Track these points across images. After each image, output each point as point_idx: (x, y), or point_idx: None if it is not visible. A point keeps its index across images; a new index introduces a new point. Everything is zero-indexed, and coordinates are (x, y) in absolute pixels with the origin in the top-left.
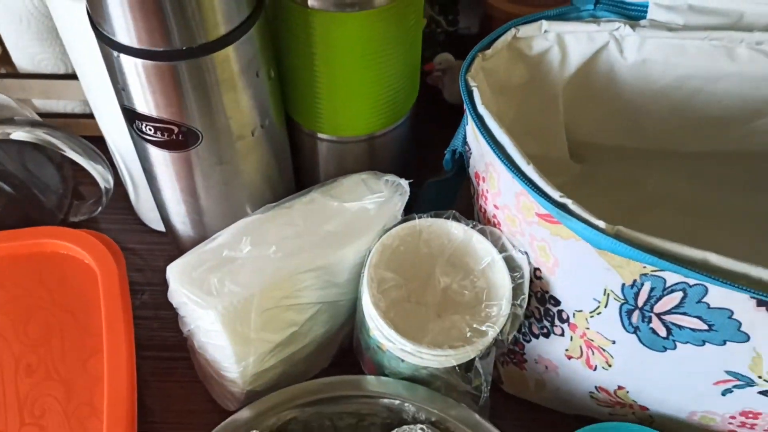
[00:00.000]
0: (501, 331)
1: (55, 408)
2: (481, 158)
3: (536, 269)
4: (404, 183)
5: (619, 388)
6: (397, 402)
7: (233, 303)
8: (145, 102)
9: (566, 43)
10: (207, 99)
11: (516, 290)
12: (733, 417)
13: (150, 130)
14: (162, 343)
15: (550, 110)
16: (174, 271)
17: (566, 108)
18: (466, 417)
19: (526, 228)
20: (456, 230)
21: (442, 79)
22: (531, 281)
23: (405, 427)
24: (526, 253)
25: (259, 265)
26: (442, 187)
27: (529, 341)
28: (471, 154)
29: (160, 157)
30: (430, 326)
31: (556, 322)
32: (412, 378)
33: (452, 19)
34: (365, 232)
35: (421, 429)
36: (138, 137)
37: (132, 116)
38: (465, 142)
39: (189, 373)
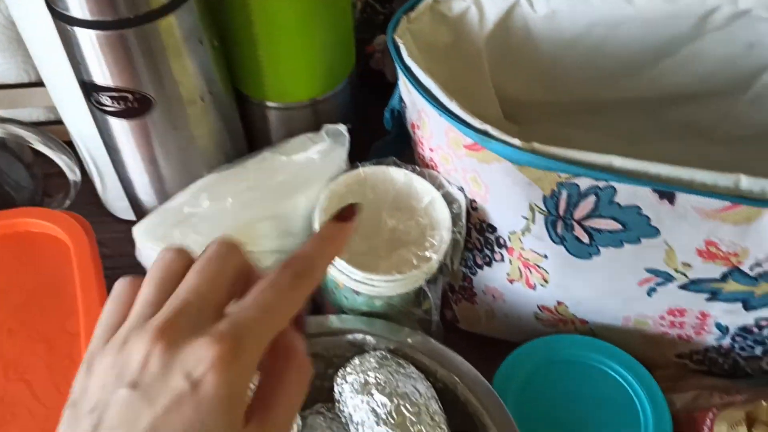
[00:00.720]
0: (446, 259)
1: (38, 364)
2: (414, 107)
3: (472, 201)
4: (342, 128)
5: (559, 303)
6: (359, 336)
7: (196, 250)
8: (101, 72)
9: (482, 2)
10: (156, 65)
11: (455, 220)
12: (662, 317)
13: (107, 100)
14: None
15: (476, 70)
16: (139, 231)
17: (491, 67)
18: (421, 342)
19: (458, 162)
20: (397, 175)
21: (383, 60)
22: (469, 213)
23: (365, 354)
24: (461, 188)
25: (218, 217)
26: (387, 150)
27: (475, 274)
28: (406, 107)
29: (119, 128)
30: (381, 263)
31: (495, 248)
32: (370, 312)
33: (386, 2)
34: (314, 181)
35: (378, 355)
36: (98, 111)
37: (90, 89)
38: (401, 100)
39: None
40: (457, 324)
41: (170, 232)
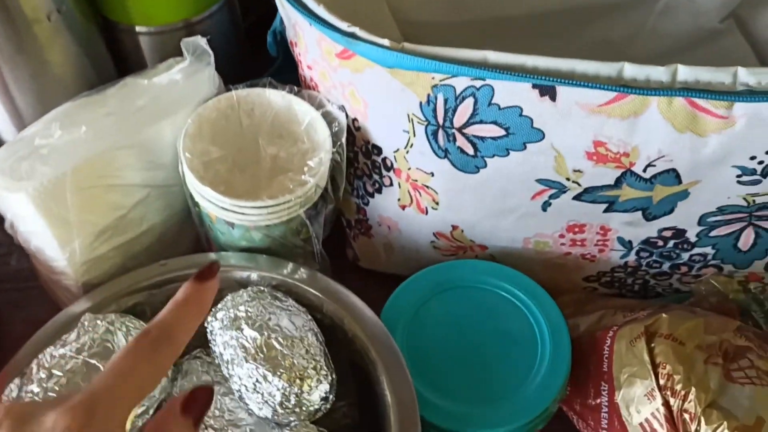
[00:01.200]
0: (326, 184)
1: None
2: (290, 23)
3: (354, 120)
4: (203, 42)
5: (454, 228)
6: (244, 274)
7: (43, 183)
8: None
9: None
10: None
11: (334, 141)
12: (562, 236)
13: None
14: (18, 276)
15: None
16: None
17: None
18: (307, 276)
19: (335, 77)
20: (274, 97)
21: None
22: (353, 135)
23: (241, 290)
24: (342, 106)
25: (71, 146)
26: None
27: (368, 204)
28: (285, 27)
29: None
30: (262, 193)
31: (383, 172)
32: (251, 248)
33: None
34: (179, 105)
35: (254, 290)
36: None
37: None
38: (281, 21)
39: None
40: (359, 263)
41: (17, 166)
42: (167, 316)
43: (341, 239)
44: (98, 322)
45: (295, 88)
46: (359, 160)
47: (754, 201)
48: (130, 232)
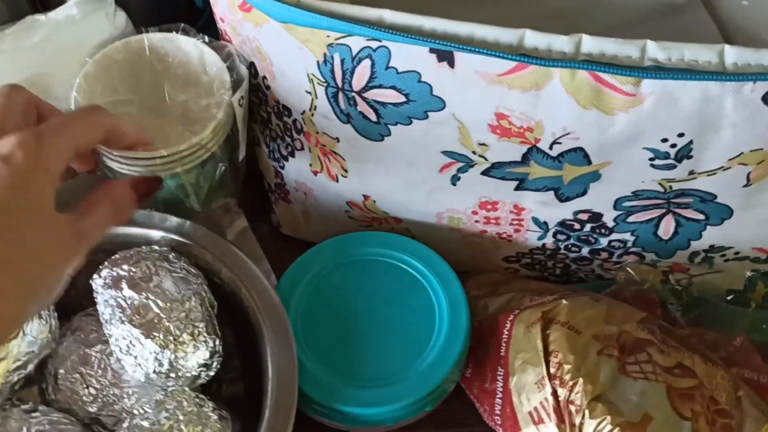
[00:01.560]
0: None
1: None
2: None
3: (263, 77)
4: None
5: (365, 198)
6: (144, 232)
7: None
8: None
9: None
10: None
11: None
12: (475, 212)
13: None
14: None
15: None
16: None
17: None
18: (207, 239)
19: (242, 30)
20: (187, 45)
21: None
22: (264, 93)
23: (132, 249)
24: (252, 63)
25: None
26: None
27: (283, 167)
28: None
29: None
30: (169, 144)
31: (294, 134)
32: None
33: None
34: (78, 43)
35: (145, 249)
36: None
37: None
38: None
39: None
40: (281, 229)
41: None
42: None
43: (267, 204)
44: None
45: (207, 38)
46: (272, 121)
47: (670, 187)
48: None
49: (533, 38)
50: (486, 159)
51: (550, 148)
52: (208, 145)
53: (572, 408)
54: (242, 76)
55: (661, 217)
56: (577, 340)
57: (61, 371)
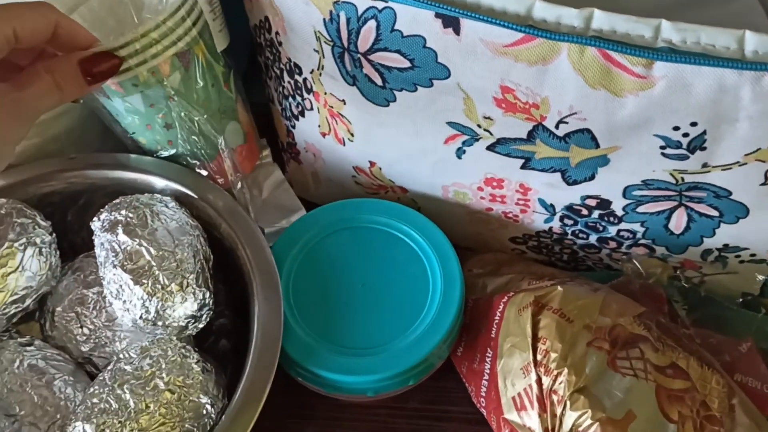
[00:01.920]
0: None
1: None
2: None
3: (276, 33)
4: None
5: (372, 164)
6: (148, 179)
7: None
8: None
9: None
10: None
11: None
12: (480, 188)
13: None
14: None
15: None
16: None
17: None
18: (211, 191)
19: None
20: None
21: None
22: (278, 49)
23: (134, 195)
24: (266, 17)
25: None
26: None
27: (294, 126)
28: None
29: None
30: None
31: (304, 94)
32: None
33: None
34: None
35: (146, 197)
36: None
37: None
38: None
39: None
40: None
41: None
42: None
43: (280, 165)
44: None
45: None
46: (284, 78)
47: (682, 179)
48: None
49: (542, 9)
50: (491, 133)
51: (557, 127)
52: (178, 30)
53: (554, 398)
54: None
55: (672, 210)
56: (567, 329)
57: (59, 309)
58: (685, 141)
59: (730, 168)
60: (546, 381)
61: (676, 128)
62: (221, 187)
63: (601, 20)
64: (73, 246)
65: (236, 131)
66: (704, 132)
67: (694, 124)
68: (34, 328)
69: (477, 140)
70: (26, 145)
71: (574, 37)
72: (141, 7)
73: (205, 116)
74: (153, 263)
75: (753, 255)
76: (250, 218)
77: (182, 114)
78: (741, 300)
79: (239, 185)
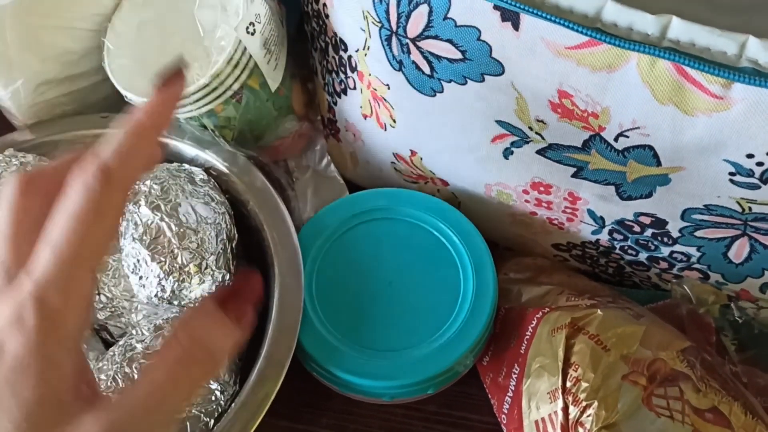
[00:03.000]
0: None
1: None
2: None
3: (323, 4)
4: None
5: (412, 153)
6: (179, 147)
7: None
8: None
9: None
10: None
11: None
12: (526, 192)
13: None
14: None
15: None
16: None
17: None
18: (238, 168)
19: None
20: None
21: None
22: (324, 22)
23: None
24: None
25: None
26: None
27: (336, 103)
28: None
29: None
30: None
31: (348, 72)
32: None
33: None
34: None
35: (175, 167)
36: None
37: None
38: None
39: None
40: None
41: None
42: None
43: None
44: (13, 159)
45: None
46: (329, 52)
47: (750, 208)
48: (83, 81)
49: (614, 11)
50: (543, 138)
51: (616, 140)
52: (226, 82)
53: (581, 430)
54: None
55: (734, 239)
56: (602, 358)
57: None
58: (758, 170)
59: None
60: (573, 411)
61: (750, 156)
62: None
63: (680, 30)
64: None
65: (290, 120)
66: None
67: None
68: None
69: (527, 143)
70: (62, 111)
71: (646, 46)
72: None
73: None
74: (173, 240)
75: None
76: (280, 201)
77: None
78: None
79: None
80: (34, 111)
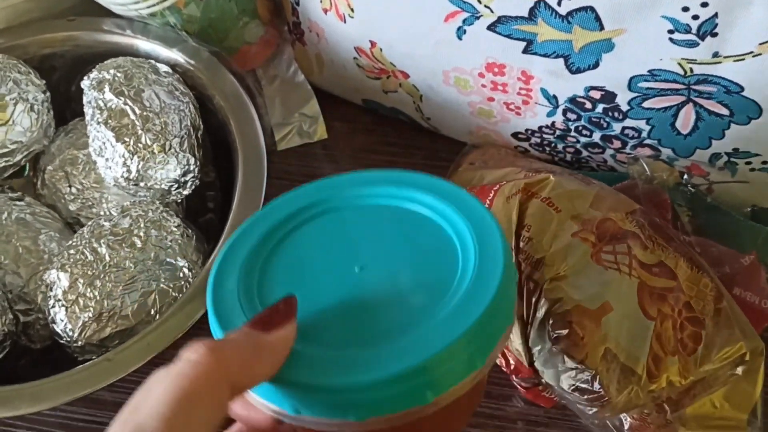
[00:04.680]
0: None
1: None
2: None
3: None
4: None
5: (372, 44)
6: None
7: None
8: None
9: None
10: None
11: None
12: (482, 75)
13: None
14: None
15: None
16: None
17: None
18: (204, 65)
19: None
20: None
21: None
22: None
23: (131, 57)
24: None
25: None
26: None
27: (298, 3)
28: None
29: None
30: None
31: None
32: None
33: None
34: None
35: (140, 60)
36: None
37: None
38: None
39: None
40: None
41: None
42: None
43: None
44: None
45: None
46: None
47: (691, 69)
48: None
49: None
50: (491, 10)
51: (559, 3)
52: None
53: (531, 285)
54: None
55: (680, 107)
56: (553, 218)
57: (49, 168)
58: (694, 24)
59: (743, 59)
60: (525, 268)
61: (686, 9)
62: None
63: None
64: (75, 114)
65: (256, 26)
66: (715, 15)
67: (704, 4)
68: (28, 188)
69: (477, 18)
70: (30, 18)
71: None
72: None
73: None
74: (137, 123)
75: (765, 162)
76: (245, 94)
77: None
78: (749, 210)
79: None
80: (2, 16)
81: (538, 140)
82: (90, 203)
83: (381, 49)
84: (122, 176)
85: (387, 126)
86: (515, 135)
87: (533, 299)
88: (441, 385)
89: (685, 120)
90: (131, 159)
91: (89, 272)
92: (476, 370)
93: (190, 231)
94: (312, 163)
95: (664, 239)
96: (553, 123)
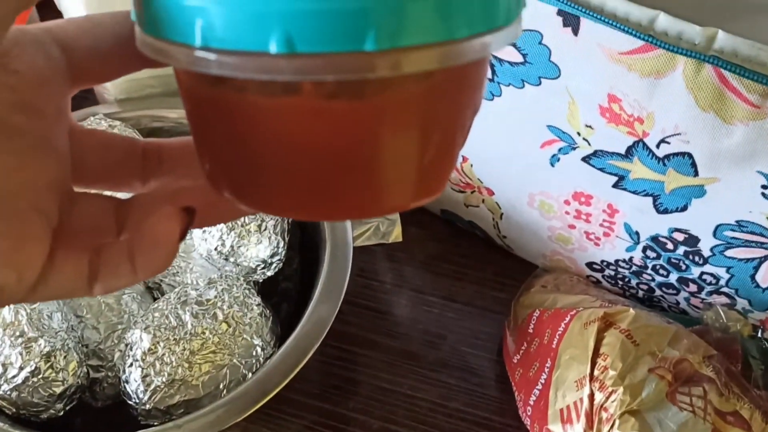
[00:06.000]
0: None
1: None
2: None
3: None
4: None
5: (464, 159)
6: None
7: None
8: None
9: None
10: None
11: None
12: (567, 202)
13: None
14: None
15: None
16: None
17: None
18: None
19: None
20: None
21: None
22: None
23: None
24: None
25: None
26: None
27: None
28: None
29: None
30: None
31: None
32: None
33: None
34: None
35: None
36: None
37: None
38: None
39: None
40: None
41: None
42: None
43: None
44: (102, 122)
45: None
46: None
47: None
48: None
49: (665, 22)
50: (589, 143)
51: (657, 146)
52: None
53: (604, 415)
54: None
55: (762, 260)
56: (631, 351)
57: None
58: None
59: None
60: (599, 397)
61: None
62: None
63: (724, 41)
64: None
65: None
66: None
67: None
68: None
69: (574, 149)
70: (148, 93)
71: (693, 52)
72: None
73: None
74: None
75: None
76: None
77: None
78: None
79: None
80: (125, 87)
81: (613, 273)
82: (175, 271)
83: (471, 165)
84: (216, 249)
85: (461, 238)
86: (590, 264)
87: (605, 430)
88: (390, 35)
89: (766, 274)
90: (228, 234)
91: (171, 337)
92: (452, 38)
93: (267, 311)
94: (383, 264)
95: (740, 389)
96: (630, 258)
